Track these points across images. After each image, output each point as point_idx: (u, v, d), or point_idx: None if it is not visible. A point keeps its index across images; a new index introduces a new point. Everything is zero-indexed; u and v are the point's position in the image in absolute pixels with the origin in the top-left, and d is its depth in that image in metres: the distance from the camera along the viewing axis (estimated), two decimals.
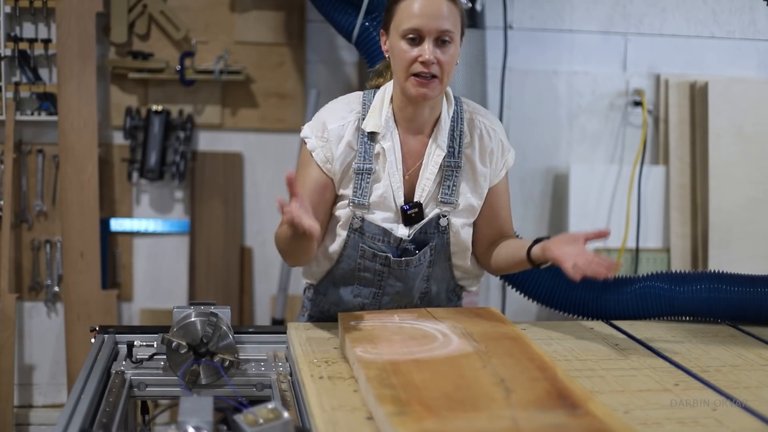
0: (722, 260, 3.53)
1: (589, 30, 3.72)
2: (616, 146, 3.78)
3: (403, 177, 2.00)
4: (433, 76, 1.89)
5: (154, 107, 3.51)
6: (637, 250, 3.70)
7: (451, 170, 2.01)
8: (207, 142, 3.64)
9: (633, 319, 2.27)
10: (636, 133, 3.76)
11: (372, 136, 1.99)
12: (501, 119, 3.60)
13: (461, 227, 2.05)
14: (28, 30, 3.45)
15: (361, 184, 1.98)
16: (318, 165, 2.00)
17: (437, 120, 2.01)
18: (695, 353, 1.96)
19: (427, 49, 1.88)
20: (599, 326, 2.20)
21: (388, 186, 1.99)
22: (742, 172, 3.60)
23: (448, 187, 2.01)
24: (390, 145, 1.98)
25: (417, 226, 2.00)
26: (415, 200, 2.00)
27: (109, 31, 3.48)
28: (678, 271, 2.34)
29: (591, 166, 3.74)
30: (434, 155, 2.00)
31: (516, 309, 3.57)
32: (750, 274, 2.29)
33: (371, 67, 2.90)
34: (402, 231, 2.00)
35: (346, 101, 2.05)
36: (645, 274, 2.34)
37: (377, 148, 1.99)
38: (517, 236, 2.20)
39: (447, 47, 1.90)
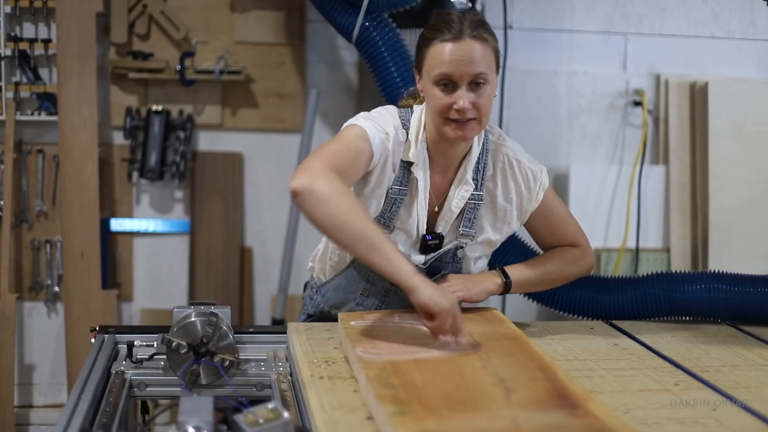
0: (722, 260, 3.52)
1: (589, 30, 3.72)
2: (616, 146, 3.78)
3: (432, 209, 1.99)
4: (471, 119, 1.85)
5: (154, 107, 3.51)
6: (637, 250, 3.70)
7: (473, 203, 2.00)
8: (207, 142, 3.64)
9: (633, 319, 2.27)
10: (636, 133, 3.76)
11: (408, 163, 1.96)
12: (501, 119, 3.60)
13: (474, 260, 2.06)
14: (28, 30, 3.45)
15: (391, 207, 1.96)
16: (369, 143, 1.87)
17: (467, 153, 1.98)
18: (695, 353, 1.95)
19: (461, 96, 1.82)
20: (599, 326, 2.20)
21: (415, 214, 1.98)
22: (742, 172, 3.60)
23: (469, 219, 2.00)
24: (422, 174, 1.95)
25: (433, 255, 2.00)
26: (437, 231, 2.00)
27: (109, 31, 3.48)
28: (678, 271, 2.33)
29: (591, 166, 3.74)
30: (461, 190, 1.97)
31: (516, 309, 3.57)
32: (750, 274, 2.29)
33: (371, 67, 2.91)
34: (418, 258, 2.00)
35: (391, 120, 1.95)
36: (645, 274, 2.34)
37: (412, 175, 1.96)
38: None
39: (482, 89, 1.83)
